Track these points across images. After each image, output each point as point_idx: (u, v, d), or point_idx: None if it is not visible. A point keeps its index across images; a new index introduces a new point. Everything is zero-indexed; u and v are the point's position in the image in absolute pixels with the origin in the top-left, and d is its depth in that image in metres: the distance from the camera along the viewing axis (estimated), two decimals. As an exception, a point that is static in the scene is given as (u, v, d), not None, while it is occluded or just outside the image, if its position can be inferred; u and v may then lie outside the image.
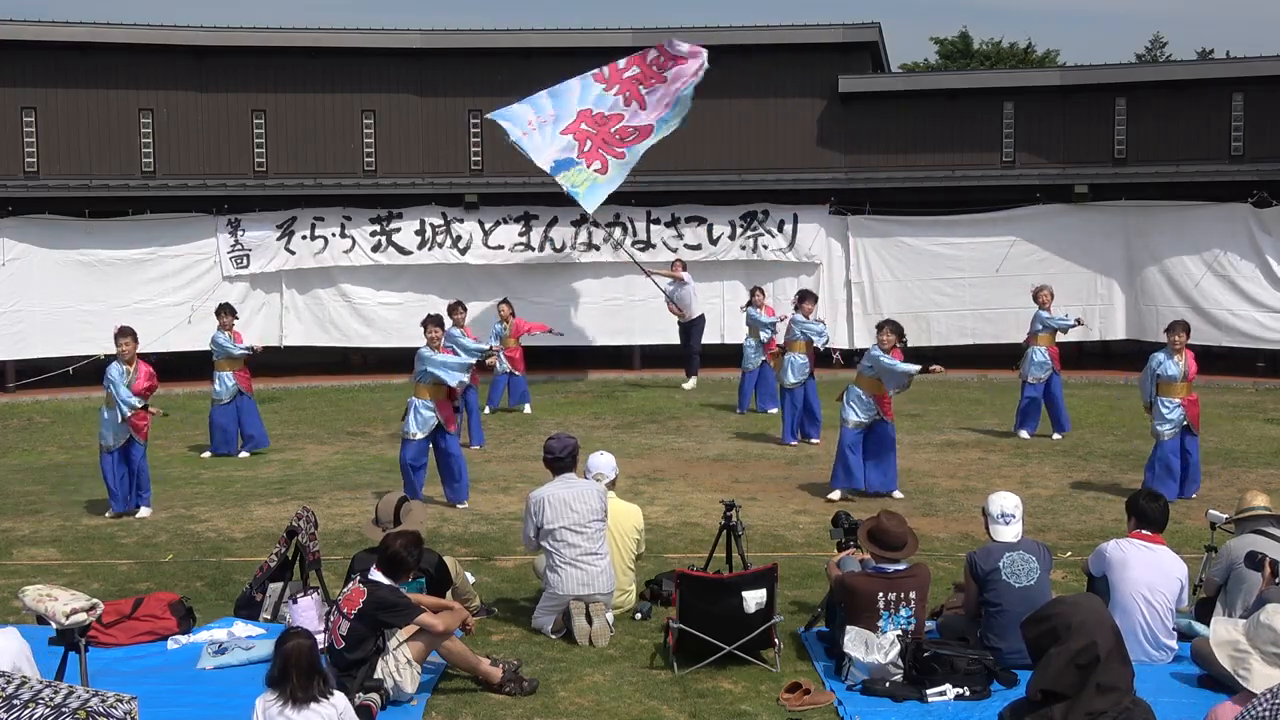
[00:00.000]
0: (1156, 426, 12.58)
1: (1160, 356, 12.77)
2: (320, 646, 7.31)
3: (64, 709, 5.07)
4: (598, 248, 22.73)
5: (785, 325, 16.83)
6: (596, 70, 20.14)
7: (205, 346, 16.16)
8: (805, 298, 16.72)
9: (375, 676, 7.19)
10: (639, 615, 8.80)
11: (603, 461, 9.18)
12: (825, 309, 21.88)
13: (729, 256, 22.82)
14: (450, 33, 23.59)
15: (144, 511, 12.20)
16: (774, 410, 17.22)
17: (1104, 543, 8.12)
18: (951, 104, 23.52)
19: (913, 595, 7.63)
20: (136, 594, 9.08)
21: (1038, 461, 14.48)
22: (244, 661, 7.88)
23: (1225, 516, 8.75)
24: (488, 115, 20.43)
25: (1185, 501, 12.12)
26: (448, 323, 15.40)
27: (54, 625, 6.83)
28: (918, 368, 12.56)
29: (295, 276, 22.46)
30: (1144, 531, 7.97)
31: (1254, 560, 7.64)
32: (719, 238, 22.82)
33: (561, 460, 8.72)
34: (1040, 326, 16.08)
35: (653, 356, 23.01)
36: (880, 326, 12.98)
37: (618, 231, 22.68)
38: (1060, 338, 16.42)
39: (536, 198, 21.40)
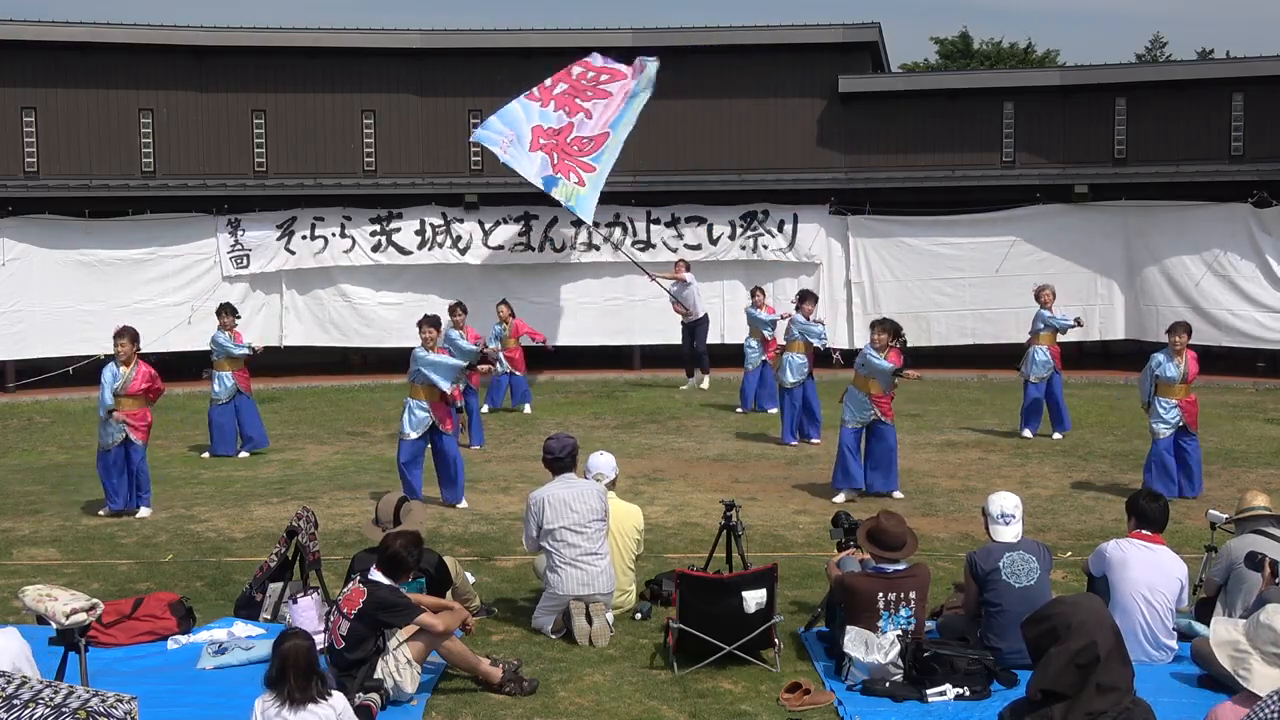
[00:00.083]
0: (1153, 425, 12.61)
1: (1160, 357, 12.77)
2: (320, 646, 7.32)
3: (64, 709, 5.07)
4: (598, 248, 22.74)
5: (785, 324, 16.83)
6: (528, 90, 20.35)
7: (205, 346, 16.16)
8: (805, 298, 16.72)
9: (375, 676, 7.19)
10: (639, 615, 8.80)
11: (602, 461, 9.18)
12: (825, 309, 21.88)
13: (729, 256, 22.83)
14: (450, 33, 23.59)
15: (144, 511, 12.20)
16: (774, 410, 17.22)
17: (1104, 543, 8.12)
18: (951, 104, 23.52)
19: (913, 595, 7.63)
20: (136, 594, 9.08)
21: (1038, 461, 14.48)
22: (244, 661, 7.88)
23: (1225, 516, 8.75)
24: (472, 139, 20.65)
25: (1185, 501, 12.12)
26: (447, 323, 15.41)
27: (54, 625, 6.83)
28: (892, 366, 12.43)
29: (295, 276, 22.47)
30: (1144, 531, 7.97)
31: (1254, 560, 7.64)
32: (719, 238, 22.82)
33: (561, 460, 8.71)
34: (1041, 326, 16.09)
35: (653, 356, 23.01)
36: (874, 325, 12.97)
37: (618, 232, 22.69)
38: (1061, 337, 16.41)
39: (536, 198, 21.39)
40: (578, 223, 22.31)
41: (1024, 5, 77.87)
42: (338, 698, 6.27)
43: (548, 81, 20.51)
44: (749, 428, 16.93)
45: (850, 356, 14.74)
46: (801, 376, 15.86)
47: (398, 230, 22.49)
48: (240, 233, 22.04)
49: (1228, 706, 6.06)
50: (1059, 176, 22.58)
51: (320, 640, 7.52)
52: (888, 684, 7.30)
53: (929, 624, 8.02)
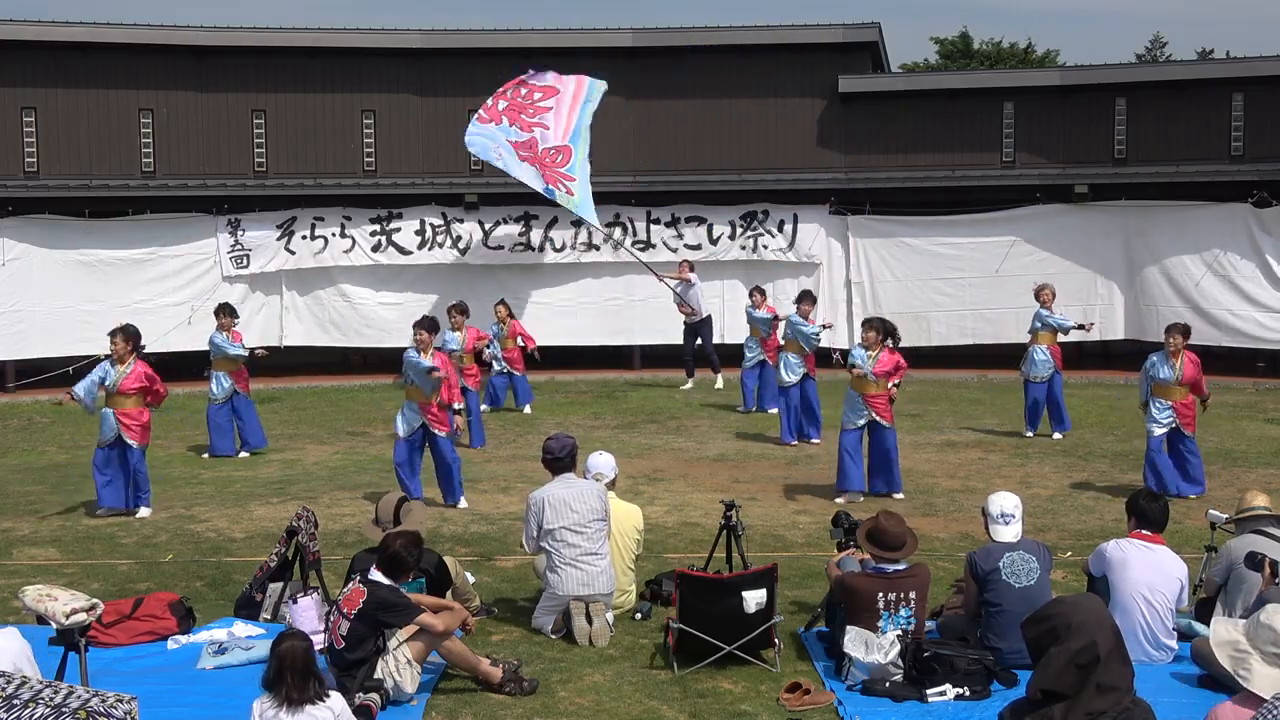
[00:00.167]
0: (1147, 424, 12.62)
1: (1155, 358, 12.76)
2: (320, 646, 7.32)
3: (64, 709, 5.07)
4: (598, 248, 22.75)
5: (783, 324, 16.83)
6: (477, 114, 20.35)
7: (205, 347, 16.16)
8: (803, 298, 16.67)
9: (375, 676, 7.19)
10: (639, 615, 8.80)
11: (602, 461, 9.18)
12: (825, 309, 21.90)
13: (729, 256, 22.83)
14: (450, 33, 23.59)
15: (144, 512, 12.20)
16: (775, 410, 17.22)
17: (1104, 543, 8.12)
18: (951, 104, 23.52)
19: (912, 595, 7.63)
20: (136, 594, 9.07)
21: (1038, 461, 14.48)
22: (244, 661, 7.88)
23: (1225, 516, 8.74)
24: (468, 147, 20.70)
25: (1185, 501, 12.12)
26: (446, 325, 15.43)
27: (54, 625, 6.83)
28: (815, 330, 13.37)
29: (295, 276, 22.47)
30: (1144, 531, 7.97)
31: (1254, 560, 7.64)
32: (719, 238, 22.82)
33: (560, 460, 8.71)
34: (1039, 325, 16.10)
35: (653, 356, 23.01)
36: (865, 323, 12.94)
37: (618, 232, 22.69)
38: (1062, 338, 16.41)
39: (536, 198, 21.38)
40: (578, 223, 22.34)
41: (1024, 5, 77.91)
42: (335, 698, 6.27)
43: (489, 101, 20.50)
44: (749, 428, 16.93)
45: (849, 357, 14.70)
46: (798, 376, 15.84)
47: (398, 230, 22.50)
48: (240, 233, 22.05)
49: (1228, 706, 6.05)
50: (1059, 176, 22.59)
51: (320, 640, 7.52)
52: (888, 684, 7.30)
53: (929, 624, 8.02)
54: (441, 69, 23.36)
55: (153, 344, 18.90)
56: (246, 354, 15.62)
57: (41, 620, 6.96)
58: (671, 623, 7.81)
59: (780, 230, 22.80)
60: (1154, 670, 7.52)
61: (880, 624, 7.52)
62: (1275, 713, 5.10)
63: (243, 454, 15.44)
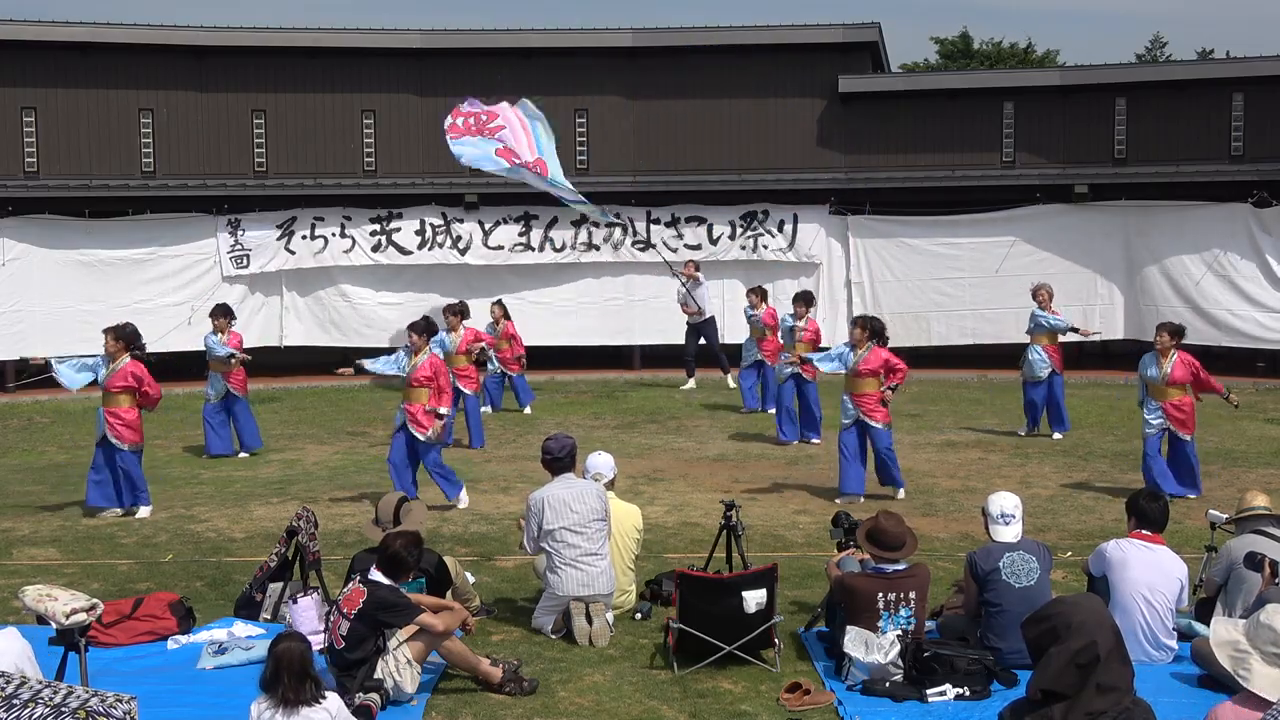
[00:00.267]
0: (1143, 425, 12.62)
1: (1147, 357, 12.74)
2: (320, 646, 7.33)
3: (64, 709, 5.07)
4: (598, 248, 22.75)
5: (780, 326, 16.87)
6: (448, 126, 19.51)
7: (202, 347, 16.16)
8: (797, 299, 16.63)
9: (375, 676, 7.18)
10: (639, 615, 8.80)
11: (601, 461, 9.18)
12: (825, 309, 21.92)
13: (729, 256, 22.82)
14: (450, 33, 23.59)
15: (143, 511, 12.20)
16: (773, 410, 17.22)
17: (1104, 543, 8.12)
18: (951, 104, 23.52)
19: (912, 595, 7.63)
20: (136, 594, 9.07)
21: (1038, 461, 14.48)
22: (244, 661, 7.87)
23: (1225, 516, 8.74)
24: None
25: (1185, 501, 12.11)
26: (443, 325, 15.43)
27: (54, 625, 6.83)
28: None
29: (295, 276, 22.47)
30: (1144, 531, 7.97)
31: (1253, 561, 7.64)
32: (719, 238, 22.82)
33: (560, 461, 8.71)
34: (1033, 325, 16.12)
35: (653, 356, 23.01)
36: (854, 321, 12.94)
37: (618, 232, 22.69)
38: (1062, 338, 16.40)
39: (536, 198, 21.39)
40: (578, 222, 22.35)
41: (1024, 5, 77.91)
42: (332, 699, 6.27)
43: (447, 123, 19.74)
44: (749, 428, 16.93)
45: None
46: (788, 375, 15.87)
47: (398, 230, 22.49)
48: (240, 233, 22.04)
49: (1228, 706, 6.06)
50: (1059, 176, 22.58)
51: (320, 640, 7.53)
52: (888, 684, 7.30)
53: (929, 624, 8.02)
54: (441, 69, 23.35)
55: (152, 344, 18.89)
56: (233, 357, 15.51)
57: (41, 620, 6.96)
58: (671, 623, 7.81)
59: (780, 230, 22.79)
60: (1154, 670, 7.52)
61: (880, 624, 7.52)
62: None
63: (242, 454, 15.44)
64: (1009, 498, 8.00)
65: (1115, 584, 7.79)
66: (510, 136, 19.18)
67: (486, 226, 22.64)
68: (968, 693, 7.18)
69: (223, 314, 15.79)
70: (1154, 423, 12.49)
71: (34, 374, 21.10)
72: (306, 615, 8.30)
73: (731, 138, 23.50)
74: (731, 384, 20.24)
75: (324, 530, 10.32)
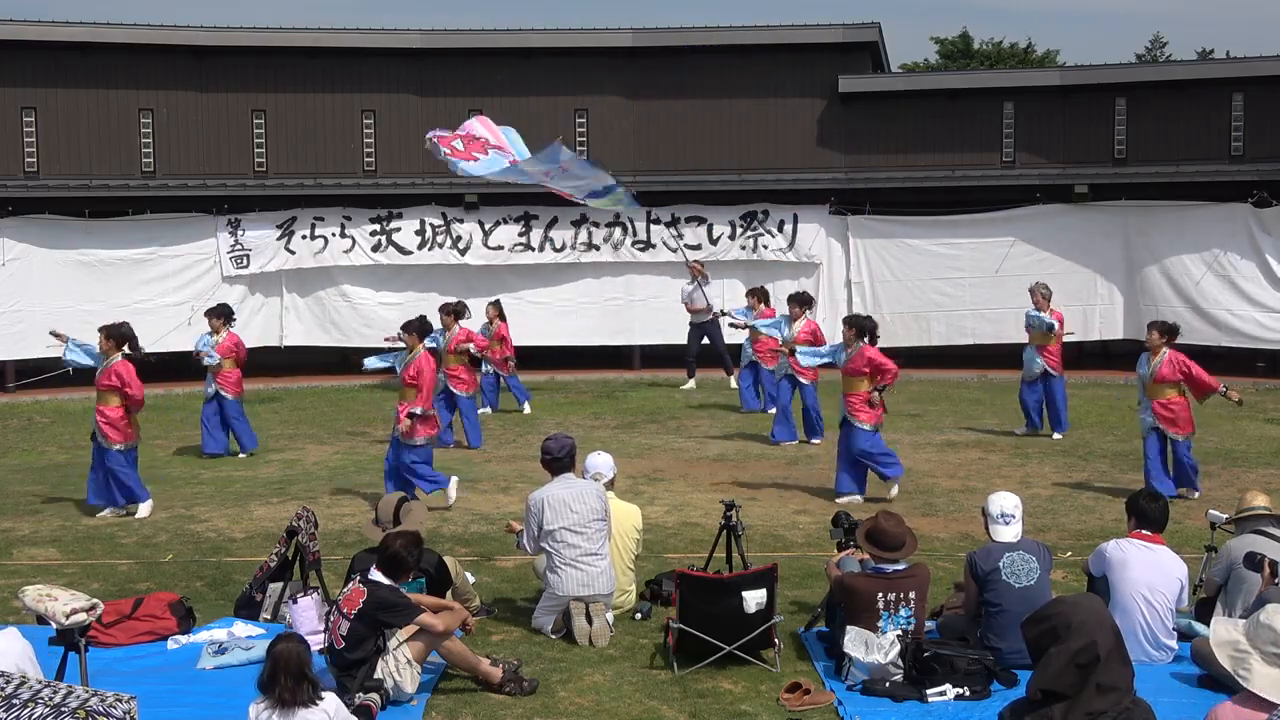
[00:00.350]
0: (1140, 424, 12.65)
1: (1142, 356, 12.75)
2: (320, 647, 7.33)
3: (64, 709, 5.07)
4: (598, 248, 22.75)
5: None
6: (447, 151, 19.09)
7: (202, 347, 16.17)
8: (792, 300, 16.58)
9: (375, 676, 7.19)
10: (639, 615, 8.80)
11: (600, 461, 9.18)
12: (825, 309, 21.91)
13: (729, 256, 22.81)
14: (450, 33, 23.59)
15: (143, 510, 12.20)
16: (774, 410, 17.21)
17: (1104, 543, 8.12)
18: (951, 104, 23.52)
19: (912, 595, 7.63)
20: (136, 594, 9.08)
21: (1038, 461, 14.48)
22: (244, 661, 7.88)
23: (1225, 516, 8.74)
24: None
25: (1185, 501, 12.11)
26: (438, 328, 15.42)
27: (54, 625, 6.83)
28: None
29: (295, 276, 22.47)
30: (1144, 531, 7.97)
31: (1253, 561, 7.63)
32: (719, 238, 22.82)
33: (560, 461, 8.71)
34: (1026, 324, 16.19)
35: (653, 356, 23.00)
36: (845, 321, 12.96)
37: (618, 232, 22.69)
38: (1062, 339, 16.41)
39: (536, 198, 21.39)
40: (578, 222, 22.35)
41: (1024, 5, 77.91)
42: (330, 700, 6.26)
43: (442, 154, 19.28)
44: (749, 428, 16.93)
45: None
46: (783, 374, 15.88)
47: (398, 230, 22.49)
48: (240, 233, 22.04)
49: (1228, 706, 6.05)
50: (1059, 176, 22.58)
51: (320, 640, 7.53)
52: (888, 684, 7.30)
53: (929, 624, 8.02)
54: (441, 69, 23.36)
55: (152, 344, 18.91)
56: (212, 360, 15.44)
57: (41, 620, 6.96)
58: (671, 623, 7.81)
59: (780, 230, 22.79)
60: (1154, 670, 7.52)
61: (880, 624, 7.52)
62: None
63: (241, 455, 15.44)
64: (1009, 498, 8.00)
65: (1115, 584, 7.79)
66: (496, 143, 19.02)
67: (486, 226, 22.64)
68: (968, 693, 7.18)
69: (218, 314, 15.77)
70: (1146, 421, 12.50)
71: (34, 373, 21.12)
72: (306, 615, 8.30)
73: (731, 138, 23.50)
74: (733, 384, 20.23)
75: (324, 530, 10.32)
